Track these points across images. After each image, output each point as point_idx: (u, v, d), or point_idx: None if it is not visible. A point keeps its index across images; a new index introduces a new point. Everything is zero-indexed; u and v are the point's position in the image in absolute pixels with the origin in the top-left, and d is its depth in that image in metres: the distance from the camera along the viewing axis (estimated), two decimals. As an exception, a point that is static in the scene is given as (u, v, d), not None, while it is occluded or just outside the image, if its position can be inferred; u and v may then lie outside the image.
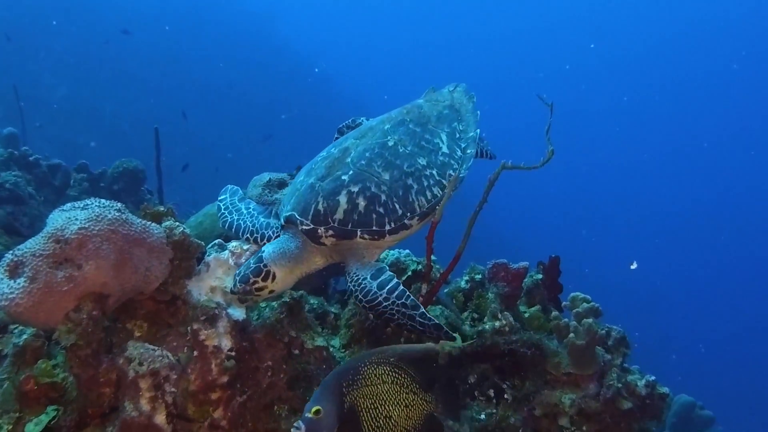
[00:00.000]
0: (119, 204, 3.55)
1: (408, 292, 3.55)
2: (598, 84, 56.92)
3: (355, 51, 55.92)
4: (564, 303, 4.55)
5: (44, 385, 3.42)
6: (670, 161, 54.36)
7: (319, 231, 3.62)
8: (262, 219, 4.11)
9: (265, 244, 3.94)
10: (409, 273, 4.80)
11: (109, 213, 3.38)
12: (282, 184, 5.08)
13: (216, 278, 3.83)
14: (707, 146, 52.73)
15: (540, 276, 4.87)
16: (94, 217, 3.32)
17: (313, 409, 2.75)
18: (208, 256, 3.94)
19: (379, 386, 2.89)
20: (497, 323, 4.23)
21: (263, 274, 3.58)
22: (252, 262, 3.65)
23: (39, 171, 9.43)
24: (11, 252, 3.33)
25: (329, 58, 45.67)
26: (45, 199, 9.26)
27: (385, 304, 3.50)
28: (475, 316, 4.62)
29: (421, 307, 3.54)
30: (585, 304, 4.35)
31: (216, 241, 4.13)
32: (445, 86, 4.54)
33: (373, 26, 59.64)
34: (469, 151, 4.06)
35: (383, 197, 3.65)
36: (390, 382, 2.91)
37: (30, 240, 3.34)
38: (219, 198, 4.40)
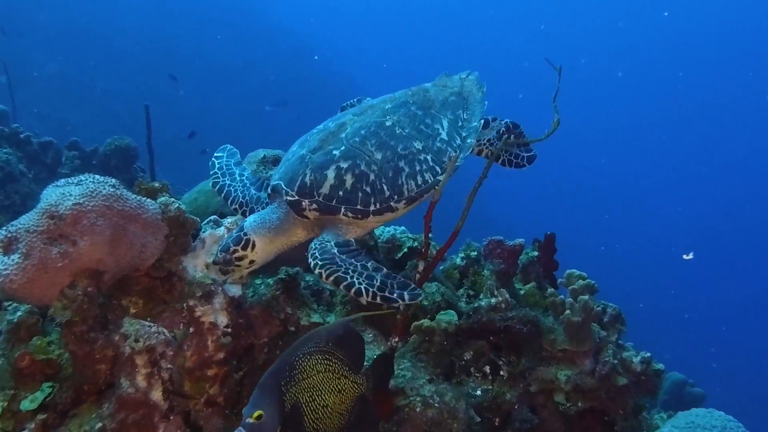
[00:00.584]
0: (114, 180, 3.52)
1: (369, 257, 3.48)
2: (597, 58, 56.87)
3: (354, 32, 55.60)
4: (560, 280, 4.55)
5: (39, 361, 3.41)
6: (668, 138, 54.45)
7: (303, 203, 3.54)
8: (254, 191, 4.04)
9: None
10: (405, 250, 4.80)
11: (104, 189, 3.35)
12: (277, 161, 5.06)
13: (211, 254, 3.80)
14: (705, 123, 52.89)
15: (535, 253, 4.87)
16: (89, 192, 3.29)
17: (255, 414, 2.63)
18: (204, 232, 3.92)
19: (314, 377, 2.79)
20: (493, 300, 4.23)
21: (243, 243, 3.53)
22: (234, 231, 3.63)
23: (30, 149, 9.37)
24: (5, 228, 3.29)
25: (327, 39, 45.39)
26: (36, 176, 9.21)
27: (339, 262, 3.38)
28: (471, 293, 4.63)
29: (384, 268, 3.42)
30: (581, 281, 4.35)
31: (211, 218, 4.11)
32: (458, 73, 4.39)
33: (373, 7, 59.34)
34: (468, 141, 3.94)
35: (372, 177, 3.58)
36: (323, 370, 2.82)
37: (24, 216, 3.31)
38: (215, 155, 4.29)
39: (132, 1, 33.41)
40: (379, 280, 3.31)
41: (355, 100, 4.51)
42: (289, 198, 3.56)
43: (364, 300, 3.26)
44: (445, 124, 3.94)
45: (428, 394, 3.71)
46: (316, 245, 3.50)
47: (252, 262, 3.59)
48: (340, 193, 3.53)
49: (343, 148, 3.62)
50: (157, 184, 3.81)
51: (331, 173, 3.54)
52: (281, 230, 3.65)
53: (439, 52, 53.43)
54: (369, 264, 3.41)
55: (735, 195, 50.63)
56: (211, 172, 4.17)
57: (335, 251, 3.45)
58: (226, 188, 4.06)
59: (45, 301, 3.29)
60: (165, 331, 3.45)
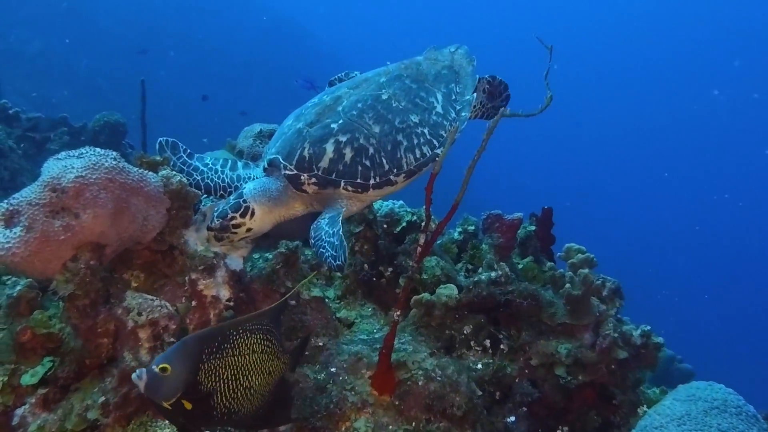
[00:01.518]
0: (114, 153, 3.48)
1: (339, 233, 3.41)
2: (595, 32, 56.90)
3: (342, 8, 55.32)
4: (558, 254, 4.56)
5: (41, 335, 3.38)
6: (664, 116, 54.54)
7: (302, 177, 3.55)
8: (228, 172, 4.00)
9: (234, 187, 3.92)
10: (404, 224, 4.79)
11: (106, 161, 3.32)
12: (273, 135, 5.03)
13: (212, 228, 3.78)
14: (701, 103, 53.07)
15: (533, 227, 4.88)
16: (91, 165, 3.26)
17: (161, 365, 2.49)
18: (204, 205, 3.90)
19: (247, 357, 2.67)
20: (493, 274, 4.24)
21: (242, 210, 3.53)
22: (232, 197, 3.61)
23: (19, 124, 9.28)
24: (6, 201, 3.26)
25: (315, 18, 45.15)
26: (25, 152, 9.13)
27: (323, 236, 3.43)
28: (470, 267, 4.64)
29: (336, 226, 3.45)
30: (580, 255, 4.36)
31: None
32: (447, 46, 4.41)
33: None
34: (463, 114, 3.98)
35: (371, 150, 3.58)
36: (260, 351, 2.72)
37: (25, 189, 3.28)
38: (161, 157, 3.94)
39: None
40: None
41: (342, 74, 4.48)
42: (287, 172, 3.55)
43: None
44: (440, 97, 3.95)
45: (430, 367, 3.72)
46: (314, 224, 3.54)
47: (249, 230, 3.60)
48: (340, 166, 3.52)
49: (341, 121, 3.61)
50: (158, 158, 3.78)
51: (330, 147, 3.54)
52: (280, 201, 3.65)
53: (426, 29, 53.23)
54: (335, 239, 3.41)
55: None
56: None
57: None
58: (203, 183, 3.95)
59: (47, 274, 3.26)
60: (167, 304, 3.43)
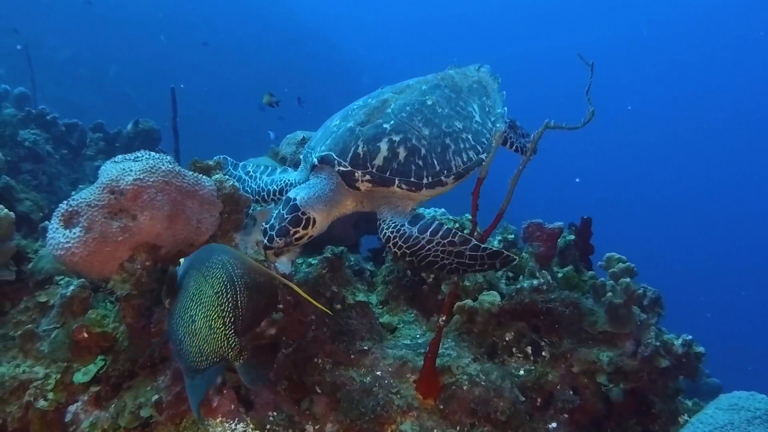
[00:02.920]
0: (169, 156, 3.56)
1: (454, 230, 3.49)
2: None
3: (359, 11, 55.56)
4: (599, 263, 4.58)
5: (95, 334, 3.47)
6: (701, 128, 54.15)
7: (356, 174, 3.57)
8: (265, 177, 4.06)
9: (271, 201, 3.96)
10: (446, 231, 4.84)
11: (163, 164, 3.40)
12: (316, 143, 5.10)
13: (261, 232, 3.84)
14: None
15: (572, 237, 4.91)
16: (149, 168, 3.34)
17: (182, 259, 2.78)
18: (254, 210, 3.97)
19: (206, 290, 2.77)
20: (535, 282, 4.28)
21: (303, 222, 3.49)
22: (285, 212, 3.50)
23: (56, 130, 9.39)
24: (65, 202, 3.35)
25: (339, 32, 45.38)
26: (62, 158, 9.24)
27: (428, 247, 3.45)
28: (510, 275, 4.67)
29: (472, 239, 3.47)
30: (621, 264, 4.39)
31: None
32: (470, 65, 4.56)
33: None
34: (498, 125, 4.10)
35: (423, 151, 3.64)
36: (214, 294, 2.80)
37: (84, 190, 3.37)
38: (224, 171, 4.12)
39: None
40: (467, 255, 3.45)
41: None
42: (341, 168, 3.58)
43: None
44: (476, 108, 4.07)
45: (474, 372, 3.76)
46: (394, 233, 3.56)
47: (310, 237, 3.59)
48: (394, 165, 3.57)
49: (392, 122, 3.67)
50: (211, 162, 3.86)
51: (384, 145, 3.59)
52: (334, 201, 3.66)
53: (447, 41, 53.28)
54: (456, 239, 3.46)
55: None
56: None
57: (417, 234, 3.50)
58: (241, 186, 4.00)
59: (104, 274, 3.34)
60: (220, 306, 3.49)
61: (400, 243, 3.51)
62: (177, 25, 34.04)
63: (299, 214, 3.48)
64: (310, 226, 3.52)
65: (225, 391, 3.39)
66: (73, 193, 6.56)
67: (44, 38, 28.27)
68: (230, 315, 2.74)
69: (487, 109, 4.15)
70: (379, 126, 3.66)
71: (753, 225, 46.42)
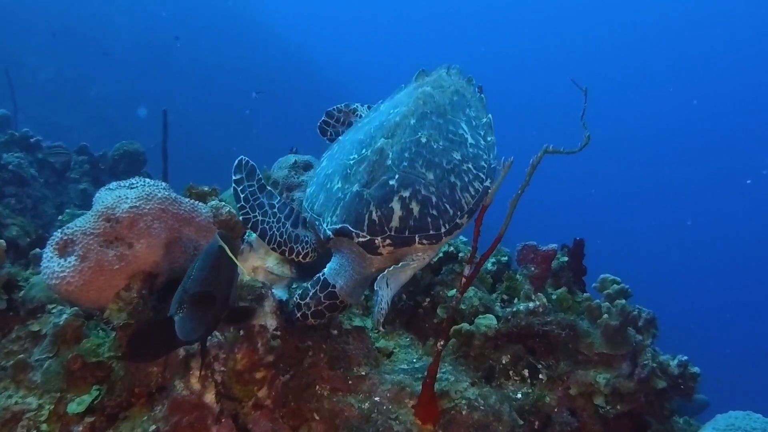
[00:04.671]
0: (164, 183, 3.54)
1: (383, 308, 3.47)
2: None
3: (340, 32, 55.81)
4: (594, 285, 4.59)
5: (91, 364, 3.42)
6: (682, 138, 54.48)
7: (376, 241, 3.46)
8: (290, 228, 3.87)
9: (293, 258, 3.82)
10: (440, 254, 4.84)
11: (159, 192, 3.38)
12: (307, 167, 5.08)
13: (258, 258, 3.83)
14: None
15: (566, 258, 4.92)
16: (145, 195, 3.32)
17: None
18: (250, 236, 3.94)
19: None
20: (531, 304, 4.28)
21: (339, 308, 3.59)
22: (323, 296, 3.53)
23: (40, 153, 9.35)
24: (60, 230, 3.32)
25: (313, 38, 45.59)
26: (46, 181, 9.19)
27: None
28: (505, 297, 4.67)
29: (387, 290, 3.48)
30: (615, 286, 4.40)
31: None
32: (437, 68, 4.36)
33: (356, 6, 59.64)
34: (489, 138, 3.99)
35: (434, 199, 3.53)
36: None
37: (78, 218, 3.34)
38: (234, 178, 3.87)
39: (126, 6, 33.35)
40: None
41: (343, 105, 4.52)
42: (361, 240, 3.48)
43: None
44: (465, 126, 3.95)
45: (473, 397, 3.75)
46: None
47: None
48: (411, 222, 3.47)
49: (397, 176, 3.55)
50: (206, 188, 3.84)
51: (396, 205, 3.48)
52: (364, 276, 3.64)
53: (423, 46, 53.62)
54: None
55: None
56: (238, 205, 3.87)
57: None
58: (260, 225, 3.82)
59: (100, 303, 3.31)
60: (217, 333, 3.46)
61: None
62: (158, 46, 33.99)
63: (337, 302, 3.54)
64: (339, 310, 3.60)
65: (223, 420, 3.36)
66: (61, 217, 6.57)
67: (25, 58, 28.20)
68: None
69: (474, 123, 4.03)
70: (386, 184, 3.53)
71: (735, 241, 46.74)
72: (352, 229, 3.48)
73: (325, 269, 3.63)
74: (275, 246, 3.82)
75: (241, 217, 3.87)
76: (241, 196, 3.84)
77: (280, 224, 3.85)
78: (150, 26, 34.39)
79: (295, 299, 3.57)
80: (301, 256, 3.80)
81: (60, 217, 6.57)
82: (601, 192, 50.38)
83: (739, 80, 54.03)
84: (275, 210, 3.89)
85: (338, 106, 4.52)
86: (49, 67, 28.75)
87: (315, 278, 3.58)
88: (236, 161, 3.92)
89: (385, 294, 3.43)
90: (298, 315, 3.52)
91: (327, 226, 3.58)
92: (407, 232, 3.46)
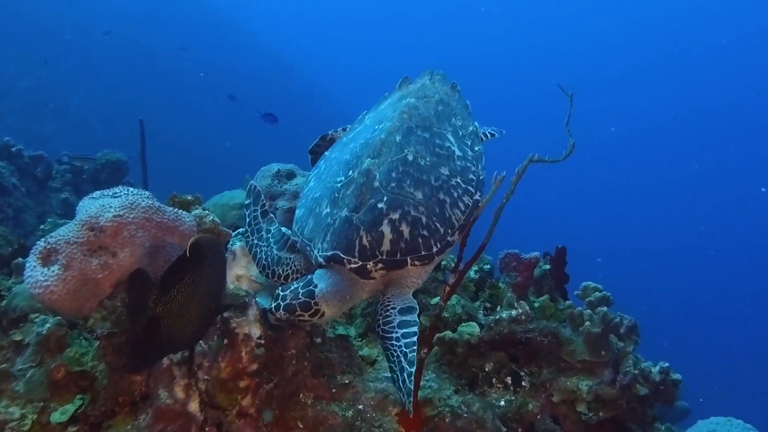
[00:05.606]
0: (148, 192, 3.54)
1: (415, 347, 3.36)
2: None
3: (323, 37, 55.91)
4: (576, 292, 4.63)
5: (74, 373, 3.42)
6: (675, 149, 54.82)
7: (368, 266, 3.39)
8: (275, 252, 3.84)
9: (276, 281, 3.77)
10: (424, 263, 4.86)
11: (143, 201, 3.38)
12: (290, 175, 5.09)
13: (242, 267, 3.83)
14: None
15: (548, 266, 4.95)
16: (129, 204, 3.32)
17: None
18: (233, 245, 3.94)
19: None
20: (514, 312, 4.31)
21: (312, 311, 3.38)
22: (302, 293, 3.40)
23: (21, 162, 9.31)
24: (43, 239, 3.31)
25: (296, 48, 45.57)
26: (28, 190, 9.14)
27: (393, 342, 3.36)
28: (488, 305, 4.70)
29: (413, 366, 3.31)
30: (597, 293, 4.44)
31: (240, 230, 4.11)
32: (421, 75, 4.34)
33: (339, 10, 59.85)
34: (476, 149, 3.97)
35: (424, 219, 3.47)
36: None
37: (62, 227, 3.33)
38: (245, 201, 4.02)
39: (108, 14, 33.21)
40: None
41: (339, 129, 4.43)
42: (352, 266, 3.42)
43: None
44: (451, 138, 3.91)
45: (456, 404, 3.77)
46: (383, 310, 3.47)
47: (312, 324, 3.58)
48: (402, 245, 3.41)
49: (385, 198, 3.49)
50: (189, 197, 3.84)
51: (386, 228, 3.42)
52: (351, 296, 3.54)
53: (399, 54, 53.69)
54: (410, 356, 3.33)
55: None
56: (243, 229, 4.00)
57: (395, 326, 3.40)
58: (254, 248, 3.87)
59: (84, 312, 3.30)
60: (201, 342, 3.46)
61: (380, 321, 3.44)
62: (141, 54, 33.87)
63: (312, 302, 3.38)
64: (317, 317, 3.42)
65: (207, 429, 3.37)
66: (42, 226, 6.54)
67: (5, 66, 28.03)
68: None
69: (460, 133, 4.00)
70: (374, 207, 3.47)
71: (715, 244, 47.04)
72: (344, 255, 3.42)
73: (315, 273, 3.56)
74: (261, 269, 3.81)
75: (243, 240, 3.94)
76: (246, 220, 3.94)
77: (268, 248, 3.84)
78: (131, 35, 34.25)
79: (276, 291, 3.47)
80: (282, 278, 3.74)
81: (42, 227, 6.54)
82: (583, 197, 50.64)
83: (715, 82, 54.68)
84: (269, 236, 3.90)
85: (316, 141, 4.46)
86: (29, 76, 28.56)
87: (307, 279, 3.50)
88: (248, 187, 4.01)
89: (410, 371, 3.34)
90: (272, 305, 3.41)
91: (318, 252, 3.52)
92: (399, 255, 3.41)
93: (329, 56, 53.23)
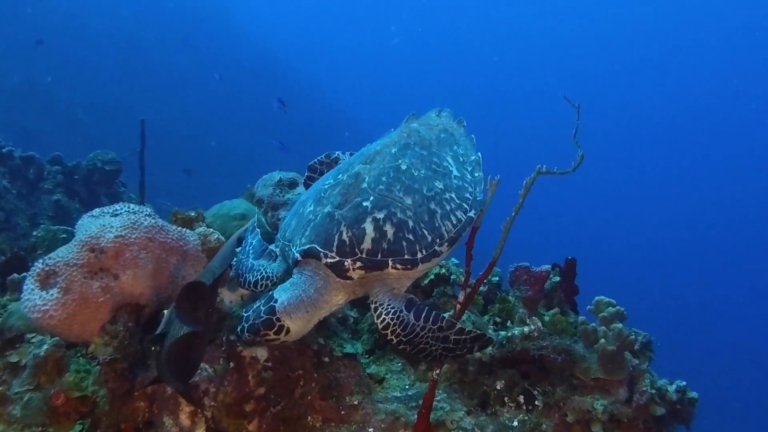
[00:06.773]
0: (149, 209, 3.40)
1: (440, 314, 3.27)
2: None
3: (318, 37, 55.67)
4: (589, 307, 4.50)
5: (74, 399, 3.28)
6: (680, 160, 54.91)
7: (345, 263, 3.21)
8: (251, 260, 3.69)
9: (248, 289, 3.61)
10: (432, 277, 4.73)
11: (145, 220, 3.25)
12: (293, 184, 4.97)
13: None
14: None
15: (558, 279, 4.82)
16: (131, 224, 3.18)
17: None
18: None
19: None
20: (526, 329, 4.18)
21: (275, 329, 3.15)
22: (263, 310, 3.18)
23: (12, 163, 9.14)
24: (41, 261, 3.18)
25: (291, 43, 45.45)
26: (18, 192, 8.98)
27: (422, 334, 3.21)
28: (498, 320, 4.57)
29: (457, 323, 3.28)
30: (611, 308, 4.31)
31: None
32: (429, 111, 4.34)
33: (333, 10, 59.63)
34: (477, 174, 3.87)
35: (411, 223, 3.34)
36: None
37: (61, 248, 3.20)
38: (247, 234, 3.92)
39: (97, 11, 32.97)
40: (452, 340, 3.26)
41: (323, 156, 4.39)
42: (329, 261, 3.23)
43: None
44: (451, 161, 3.83)
45: (469, 427, 3.67)
46: (395, 319, 3.25)
47: (283, 342, 3.29)
48: (384, 245, 3.25)
49: (372, 198, 3.38)
50: (192, 213, 3.70)
51: (369, 226, 3.27)
52: (320, 303, 3.31)
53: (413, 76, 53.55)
54: (444, 324, 3.25)
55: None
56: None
57: (414, 321, 3.24)
58: (236, 263, 3.73)
59: (84, 337, 3.18)
60: (207, 366, 3.34)
61: (398, 331, 3.22)
62: (131, 50, 33.63)
63: (273, 319, 3.15)
64: (283, 334, 3.18)
65: (213, 455, 3.25)
66: (36, 232, 6.39)
67: (-7, 63, 27.82)
68: None
69: (461, 159, 3.92)
70: (359, 205, 3.35)
71: (723, 255, 47.06)
72: (320, 249, 3.24)
73: (279, 287, 3.36)
74: (234, 279, 3.67)
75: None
76: (247, 239, 3.87)
77: (246, 258, 3.71)
78: (123, 31, 34.00)
79: (241, 313, 3.28)
80: (251, 285, 3.55)
81: (35, 233, 6.40)
82: (583, 198, 50.69)
83: (715, 82, 54.95)
84: (250, 248, 3.78)
85: (320, 157, 4.35)
86: (19, 72, 28.30)
87: (268, 295, 3.31)
88: (255, 220, 3.96)
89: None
90: (238, 329, 3.19)
91: (296, 249, 3.35)
92: (380, 255, 3.24)
93: (328, 55, 53.06)
